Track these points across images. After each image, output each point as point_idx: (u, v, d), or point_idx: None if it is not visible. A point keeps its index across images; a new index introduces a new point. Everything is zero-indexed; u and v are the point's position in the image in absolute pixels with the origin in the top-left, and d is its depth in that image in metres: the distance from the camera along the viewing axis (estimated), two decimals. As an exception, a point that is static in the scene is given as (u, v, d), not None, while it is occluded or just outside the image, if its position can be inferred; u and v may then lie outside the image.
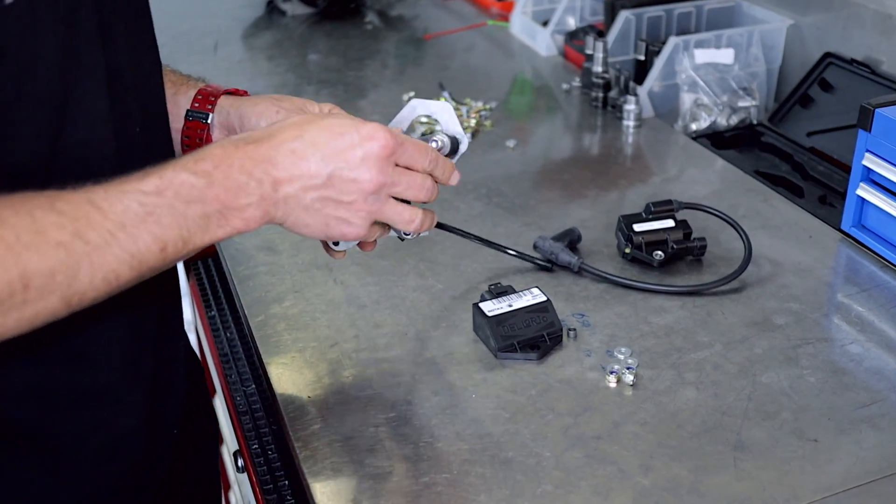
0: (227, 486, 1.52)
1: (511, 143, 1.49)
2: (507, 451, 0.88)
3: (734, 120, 1.53)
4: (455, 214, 1.29)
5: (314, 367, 1.00)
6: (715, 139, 1.50)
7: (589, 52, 1.62)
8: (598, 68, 1.59)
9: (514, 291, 1.05)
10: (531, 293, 1.04)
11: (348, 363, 1.00)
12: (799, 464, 0.86)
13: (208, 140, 0.96)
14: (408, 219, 0.85)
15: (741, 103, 1.53)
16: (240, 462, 1.10)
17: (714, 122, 1.52)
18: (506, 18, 2.00)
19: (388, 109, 1.64)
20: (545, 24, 1.87)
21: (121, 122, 0.81)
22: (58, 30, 0.71)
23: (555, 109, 1.66)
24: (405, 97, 1.66)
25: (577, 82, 1.68)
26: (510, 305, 1.02)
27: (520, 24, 1.93)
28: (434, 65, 1.86)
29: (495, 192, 1.34)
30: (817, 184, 1.37)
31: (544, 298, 1.03)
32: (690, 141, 1.49)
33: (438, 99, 1.61)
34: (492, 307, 1.02)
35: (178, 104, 0.97)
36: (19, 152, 0.72)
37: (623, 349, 1.01)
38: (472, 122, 1.54)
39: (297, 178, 0.78)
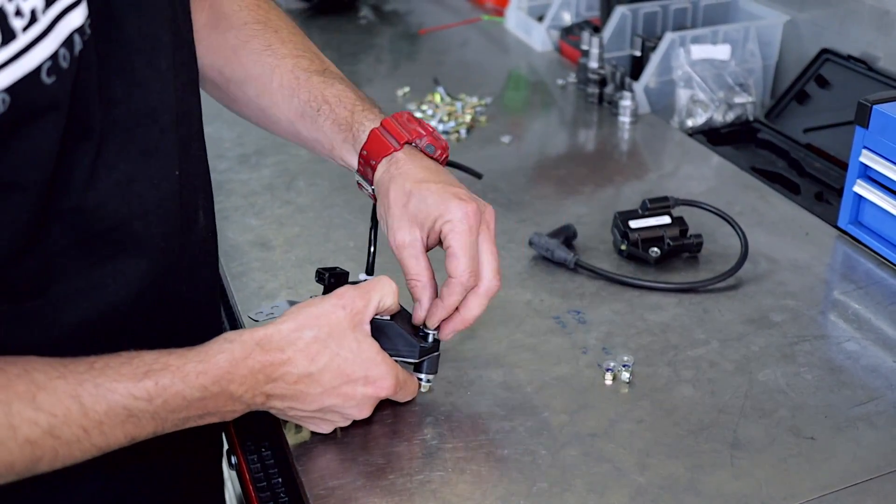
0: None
1: (506, 139, 1.48)
2: (502, 449, 0.87)
3: (730, 116, 1.53)
4: (450, 210, 1.28)
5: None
6: (711, 135, 1.50)
7: (584, 47, 1.61)
8: (593, 64, 1.58)
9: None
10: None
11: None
12: (796, 462, 0.85)
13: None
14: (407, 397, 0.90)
15: (737, 99, 1.53)
16: (233, 459, 1.09)
17: (710, 119, 1.51)
18: (501, 13, 1.99)
19: (383, 105, 1.62)
20: (540, 19, 1.86)
21: (141, 179, 0.78)
22: (59, 120, 0.68)
23: (550, 105, 1.65)
24: (399, 92, 1.65)
25: (572, 78, 1.67)
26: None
27: (515, 20, 1.92)
28: (428, 60, 1.85)
29: (490, 188, 1.33)
30: (814, 181, 1.37)
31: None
32: (686, 137, 1.49)
33: (434, 94, 1.61)
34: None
35: (347, 151, 0.93)
36: (10, 234, 0.70)
37: (619, 346, 1.00)
38: (468, 118, 1.53)
39: (289, 400, 0.81)
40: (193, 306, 0.89)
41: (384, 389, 0.83)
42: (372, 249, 0.95)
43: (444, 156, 0.93)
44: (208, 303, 0.94)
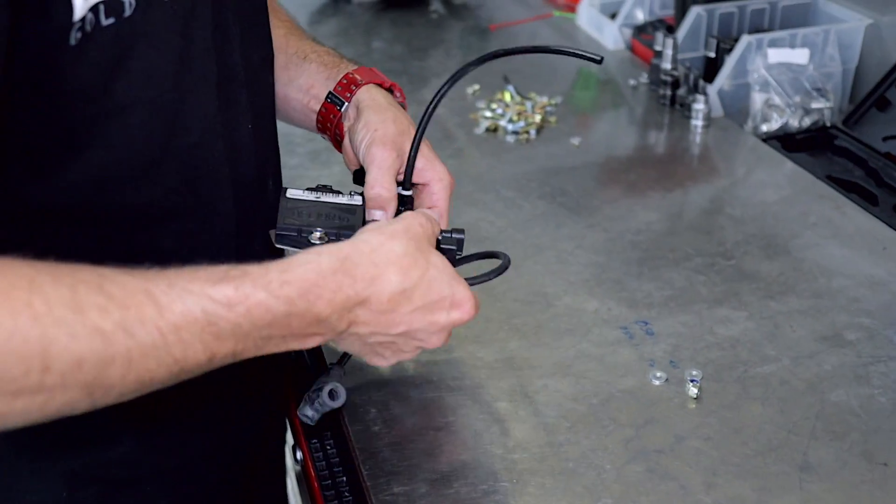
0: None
1: (576, 141, 1.47)
2: (567, 462, 0.87)
3: (806, 122, 1.49)
4: (518, 213, 1.28)
5: (373, 368, 1.00)
6: (786, 141, 1.47)
7: (658, 48, 1.59)
8: (666, 65, 1.56)
9: (336, 192, 0.89)
10: (350, 196, 0.89)
11: (409, 364, 1.00)
12: (868, 488, 0.84)
13: (339, 127, 0.96)
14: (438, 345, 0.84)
15: (814, 104, 1.49)
16: (298, 455, 1.11)
17: (785, 124, 1.48)
18: (573, 10, 1.97)
19: (450, 102, 1.63)
20: (613, 16, 1.84)
21: (231, 123, 0.84)
22: (173, 40, 0.74)
23: (620, 106, 1.64)
24: (469, 90, 1.65)
25: (644, 78, 1.65)
26: (318, 197, 0.87)
27: (587, 17, 1.90)
28: (499, 56, 1.84)
29: (559, 192, 1.33)
30: (893, 191, 1.33)
31: (359, 202, 0.88)
32: (760, 142, 1.46)
33: (504, 92, 1.60)
34: (297, 193, 0.87)
35: (328, 86, 0.98)
36: (130, 157, 0.75)
37: (687, 360, 0.99)
38: (537, 118, 1.52)
39: (374, 324, 0.75)
40: None
41: (467, 312, 0.78)
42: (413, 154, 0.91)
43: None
44: None
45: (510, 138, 1.49)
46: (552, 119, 1.54)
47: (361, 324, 0.74)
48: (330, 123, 0.97)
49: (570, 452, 0.88)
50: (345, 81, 0.96)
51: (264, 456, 1.12)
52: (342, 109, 0.96)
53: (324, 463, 1.05)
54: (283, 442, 1.19)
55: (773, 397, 0.94)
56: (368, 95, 0.95)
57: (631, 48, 1.79)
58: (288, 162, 1.43)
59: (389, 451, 0.89)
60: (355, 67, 0.98)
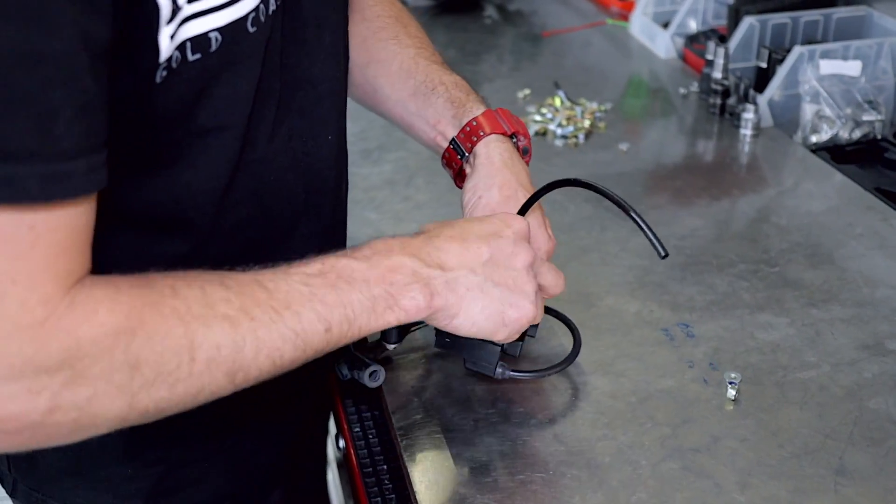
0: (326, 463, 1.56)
1: (624, 147, 1.49)
2: (603, 457, 0.89)
3: (857, 134, 1.49)
4: (564, 215, 1.30)
5: (418, 359, 1.03)
6: (835, 153, 1.46)
7: (709, 57, 1.59)
8: (717, 75, 1.56)
9: None
10: None
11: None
12: (903, 494, 0.85)
13: (463, 174, 0.99)
14: (555, 280, 0.91)
15: (865, 117, 1.49)
16: (341, 443, 1.14)
17: (835, 135, 1.48)
18: (626, 18, 1.99)
19: (501, 104, 1.62)
20: (666, 25, 1.85)
21: (304, 135, 0.87)
22: (255, 66, 0.77)
23: (670, 114, 1.65)
24: (520, 94, 1.67)
25: (694, 87, 1.65)
26: None
27: (639, 25, 1.91)
28: (550, 62, 1.87)
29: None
30: (942, 205, 1.32)
31: None
32: (809, 153, 1.46)
33: (554, 97, 1.62)
34: None
35: (454, 125, 0.99)
36: (209, 177, 0.79)
37: (726, 363, 1.00)
38: (587, 124, 1.54)
39: (463, 263, 0.81)
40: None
41: (519, 221, 0.86)
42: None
43: (527, 160, 1.01)
44: None
45: (559, 142, 1.51)
46: (601, 125, 1.55)
47: (453, 267, 0.81)
48: (453, 167, 1.00)
49: (606, 448, 0.90)
50: (468, 129, 0.97)
51: (307, 443, 1.16)
52: (463, 160, 0.98)
53: (365, 451, 1.08)
54: (326, 431, 1.22)
55: (811, 402, 0.95)
56: (486, 151, 0.96)
57: (682, 57, 1.80)
58: (340, 160, 1.47)
59: (429, 439, 0.92)
60: (482, 109, 0.98)
